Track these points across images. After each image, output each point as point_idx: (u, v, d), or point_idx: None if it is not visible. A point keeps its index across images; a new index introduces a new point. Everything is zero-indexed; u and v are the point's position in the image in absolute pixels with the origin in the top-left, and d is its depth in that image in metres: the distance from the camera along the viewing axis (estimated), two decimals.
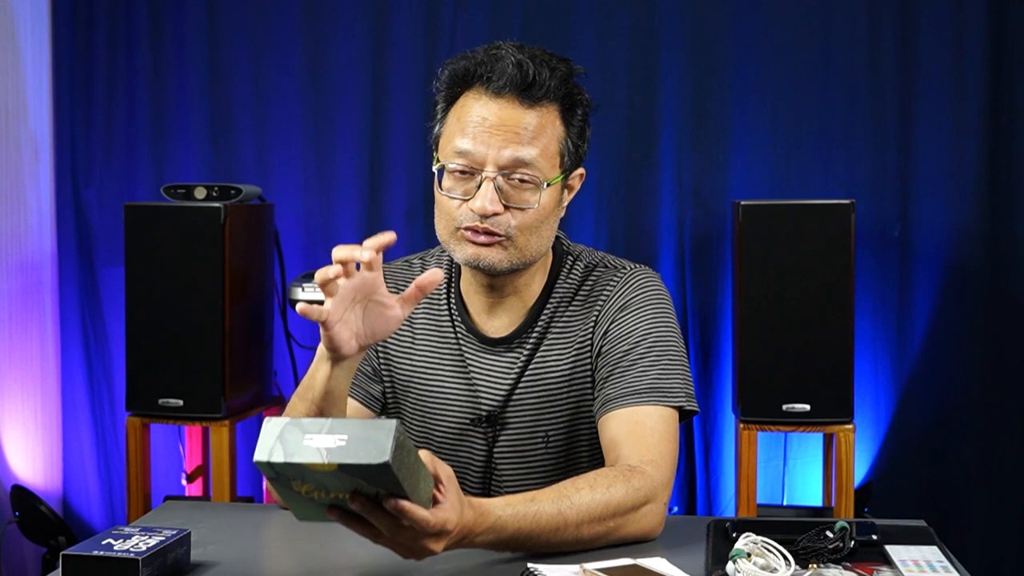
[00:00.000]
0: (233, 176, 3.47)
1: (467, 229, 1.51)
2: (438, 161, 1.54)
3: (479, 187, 1.49)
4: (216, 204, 2.98)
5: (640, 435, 1.48)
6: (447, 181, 1.52)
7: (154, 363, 3.00)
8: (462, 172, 1.50)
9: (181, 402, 2.99)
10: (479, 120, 1.50)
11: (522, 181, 1.49)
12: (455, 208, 1.51)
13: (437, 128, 1.57)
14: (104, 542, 1.28)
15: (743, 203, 2.92)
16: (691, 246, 3.36)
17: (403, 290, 1.66)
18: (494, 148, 1.48)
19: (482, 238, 1.50)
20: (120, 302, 3.10)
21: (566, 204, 1.60)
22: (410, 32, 3.43)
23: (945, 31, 3.24)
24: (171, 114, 3.55)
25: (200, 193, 3.09)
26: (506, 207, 1.49)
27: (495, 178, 1.49)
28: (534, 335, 1.60)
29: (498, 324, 1.62)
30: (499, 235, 1.50)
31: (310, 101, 3.49)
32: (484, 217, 1.49)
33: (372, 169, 3.47)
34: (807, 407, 2.87)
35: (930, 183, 3.27)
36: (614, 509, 1.39)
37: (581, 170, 1.60)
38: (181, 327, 2.98)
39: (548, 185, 1.51)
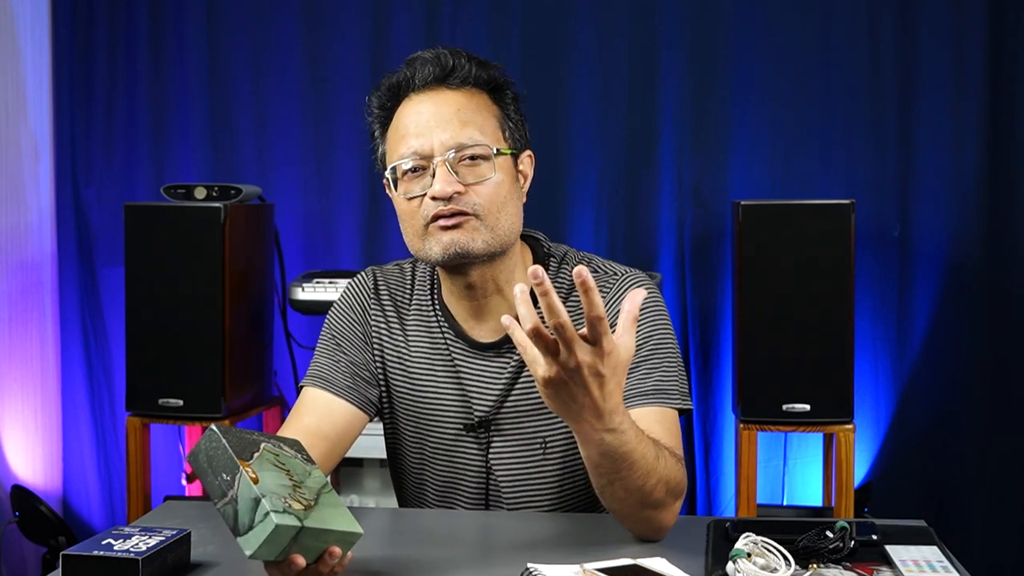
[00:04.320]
0: (233, 176, 3.47)
1: (435, 218, 1.51)
2: (393, 172, 1.55)
3: (434, 176, 1.51)
4: (216, 204, 2.98)
5: (656, 433, 1.48)
6: (403, 186, 1.54)
7: (154, 363, 3.00)
8: (414, 170, 1.53)
9: (181, 402, 2.99)
10: (415, 118, 1.54)
11: (472, 158, 1.51)
12: (417, 207, 1.53)
13: (380, 148, 1.61)
14: (104, 542, 1.28)
15: (743, 203, 2.92)
16: (691, 246, 3.35)
17: (396, 293, 1.67)
18: (436, 135, 1.51)
19: (452, 220, 1.50)
20: (120, 302, 3.10)
21: (525, 190, 1.61)
22: (410, 32, 3.42)
23: (945, 31, 3.24)
24: (171, 114, 3.55)
25: (200, 193, 3.09)
26: (466, 187, 1.51)
27: (446, 161, 1.50)
28: None
29: (486, 328, 1.61)
30: (467, 212, 1.51)
31: (310, 101, 3.49)
32: (447, 201, 1.50)
33: (372, 169, 3.42)
34: (807, 407, 2.87)
35: (930, 183, 3.27)
36: (674, 486, 1.40)
37: (529, 152, 1.62)
38: (181, 327, 2.98)
39: (498, 153, 1.53)
